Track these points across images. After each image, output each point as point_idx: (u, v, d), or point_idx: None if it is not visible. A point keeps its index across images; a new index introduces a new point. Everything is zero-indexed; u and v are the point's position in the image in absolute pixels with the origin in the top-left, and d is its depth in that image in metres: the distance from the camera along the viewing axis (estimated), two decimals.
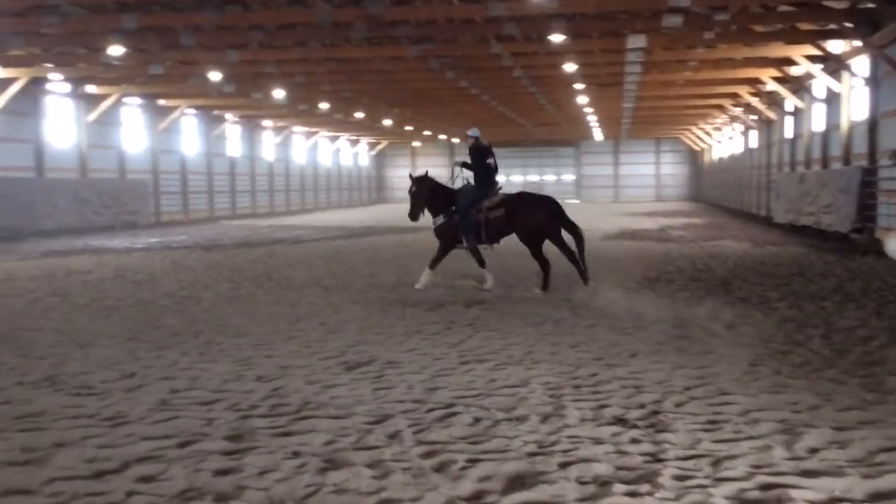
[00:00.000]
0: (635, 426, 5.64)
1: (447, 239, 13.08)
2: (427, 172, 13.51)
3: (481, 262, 12.98)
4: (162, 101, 36.94)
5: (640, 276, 14.50)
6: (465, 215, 12.80)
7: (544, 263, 12.78)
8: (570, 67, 27.34)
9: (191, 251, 21.25)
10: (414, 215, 13.24)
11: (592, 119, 49.47)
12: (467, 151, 13.35)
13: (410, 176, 13.57)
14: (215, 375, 7.20)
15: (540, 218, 12.79)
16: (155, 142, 37.93)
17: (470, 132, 13.38)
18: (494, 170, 13.16)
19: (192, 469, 4.83)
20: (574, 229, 12.86)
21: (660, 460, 4.96)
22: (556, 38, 22.40)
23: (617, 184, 72.94)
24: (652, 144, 71.62)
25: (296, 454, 5.09)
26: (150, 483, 4.61)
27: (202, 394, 6.59)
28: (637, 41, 22.97)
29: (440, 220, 13.06)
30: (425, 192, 13.13)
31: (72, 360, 7.84)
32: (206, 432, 5.54)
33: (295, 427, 5.66)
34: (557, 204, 13.06)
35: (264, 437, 5.44)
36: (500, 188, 13.27)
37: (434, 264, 13.14)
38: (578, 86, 33.14)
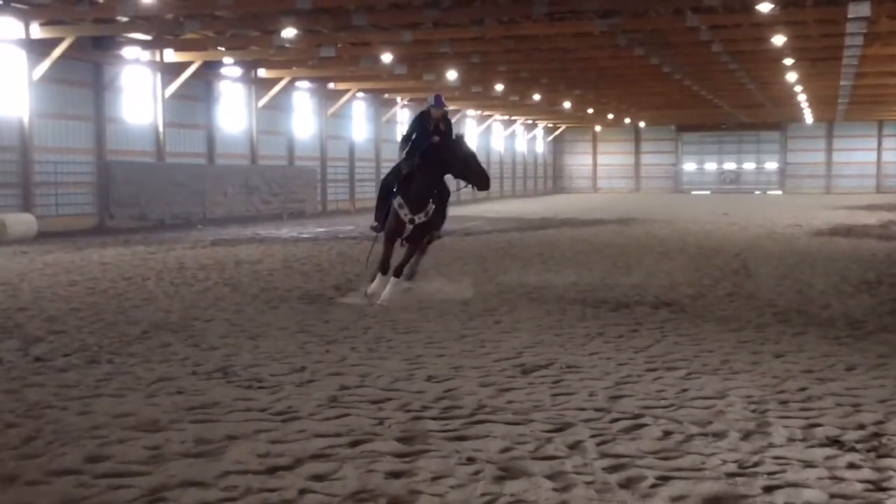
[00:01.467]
0: (853, 449, 5.35)
1: None
2: None
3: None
4: (332, 85, 38.49)
5: (857, 279, 13.72)
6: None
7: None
8: (778, 41, 26.21)
9: (357, 242, 21.99)
10: None
11: (802, 99, 47.15)
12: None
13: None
14: (385, 373, 7.43)
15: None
16: (324, 127, 39.55)
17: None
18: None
19: (365, 469, 5.01)
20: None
21: (883, 489, 4.69)
22: (764, 7, 21.52)
23: (829, 172, 69.14)
24: (873, 128, 67.33)
25: (470, 460, 5.18)
26: (322, 482, 4.82)
27: (372, 392, 6.83)
28: (860, 9, 21.65)
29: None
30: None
31: (243, 352, 8.32)
32: (378, 432, 5.73)
33: (469, 431, 5.76)
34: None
35: (437, 440, 5.56)
36: None
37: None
38: (788, 61, 31.70)
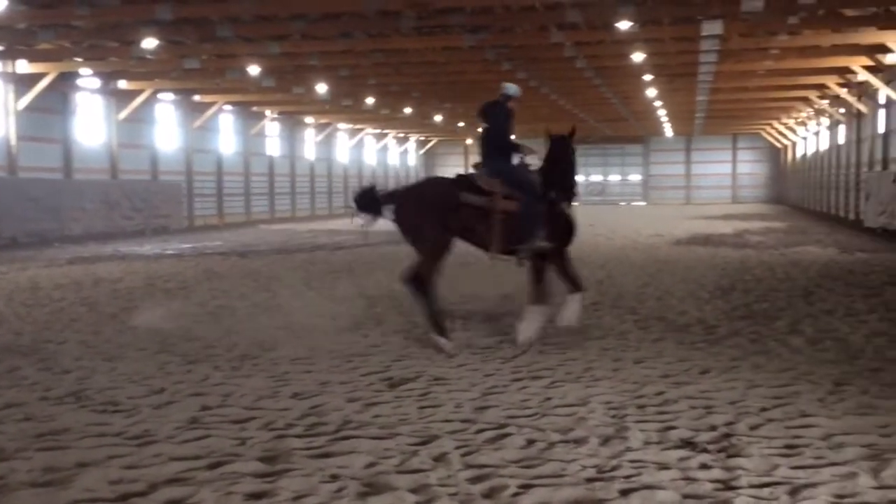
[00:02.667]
0: (705, 450, 5.59)
1: None
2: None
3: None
4: (197, 97, 37.64)
5: (713, 286, 14.33)
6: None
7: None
8: (638, 57, 27.13)
9: (225, 258, 21.57)
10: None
11: (662, 113, 49.02)
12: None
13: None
14: (249, 391, 7.30)
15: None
16: (189, 140, 38.63)
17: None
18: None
19: (224, 492, 4.91)
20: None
21: (732, 488, 4.91)
22: (624, 25, 22.24)
23: (689, 184, 72.14)
24: (728, 141, 70.66)
25: (334, 477, 5.14)
26: None
27: (235, 411, 6.69)
28: (713, 27, 22.68)
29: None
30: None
31: (98, 375, 8.01)
32: (239, 453, 5.62)
33: (334, 448, 5.72)
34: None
35: (301, 458, 5.50)
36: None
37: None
38: (647, 77, 32.89)
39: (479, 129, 10.21)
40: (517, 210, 9.33)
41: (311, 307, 12.44)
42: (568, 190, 9.77)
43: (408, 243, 9.70)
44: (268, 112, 44.66)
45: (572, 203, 9.86)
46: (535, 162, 9.97)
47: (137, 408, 6.79)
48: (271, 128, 47.36)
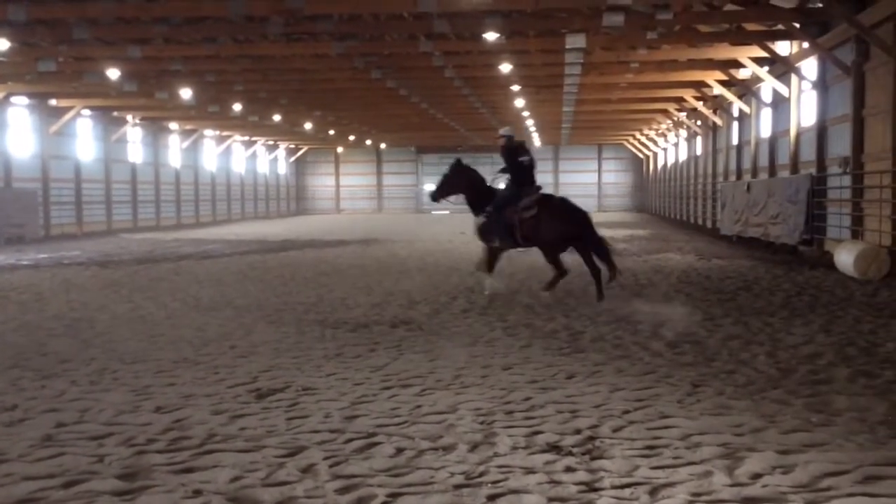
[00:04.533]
0: (570, 453, 5.71)
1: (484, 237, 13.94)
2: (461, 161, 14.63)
3: (489, 267, 14.08)
4: (54, 102, 36.05)
5: (579, 292, 14.68)
6: (498, 214, 13.49)
7: (560, 268, 13.78)
8: (505, 68, 27.64)
9: (85, 268, 20.75)
10: (437, 196, 14.39)
11: (530, 123, 50.05)
12: (501, 154, 14.38)
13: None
14: (108, 406, 7.04)
15: (564, 229, 13.57)
16: (45, 146, 36.99)
17: (502, 131, 14.59)
18: (530, 167, 13.96)
19: None
20: (601, 245, 13.69)
21: (595, 489, 5.03)
22: (491, 36, 22.61)
23: (556, 193, 73.59)
24: (594, 151, 72.86)
25: (197, 493, 5.01)
26: None
27: (93, 427, 6.44)
28: (576, 41, 23.35)
29: (482, 218, 13.81)
30: (463, 182, 14.16)
31: None
32: (96, 470, 5.42)
33: (197, 462, 5.58)
34: (587, 217, 13.85)
35: (162, 474, 5.34)
36: (540, 188, 14.09)
37: (488, 268, 14.07)
38: (515, 88, 33.52)
39: (523, 159, 13.94)
40: None
41: (176, 318, 12.12)
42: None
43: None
44: (129, 117, 43.23)
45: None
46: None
47: None
48: (133, 133, 45.86)
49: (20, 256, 25.11)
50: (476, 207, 13.99)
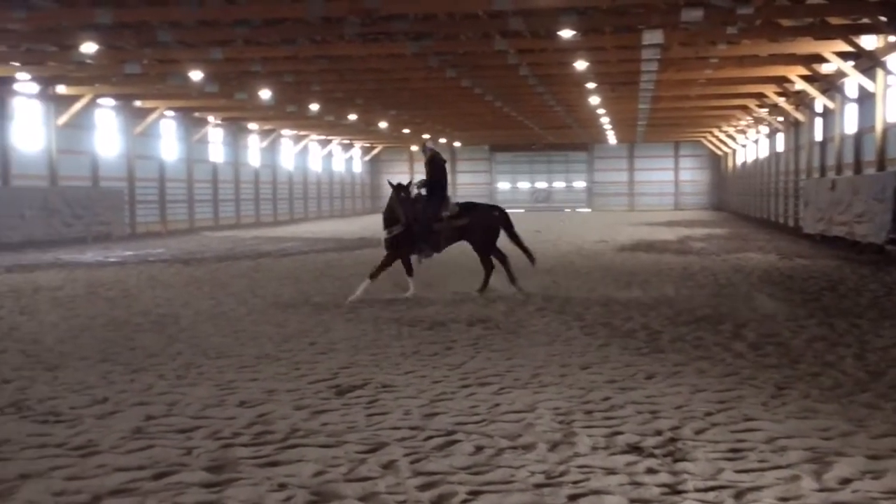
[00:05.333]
0: (652, 455, 5.64)
1: (397, 249, 14.63)
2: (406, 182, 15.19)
3: (410, 271, 14.68)
4: (138, 103, 37.07)
5: (656, 292, 14.51)
6: (425, 226, 14.39)
7: (502, 258, 14.87)
8: (581, 65, 27.42)
9: (169, 265, 21.27)
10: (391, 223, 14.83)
11: (605, 121, 49.57)
12: (424, 162, 15.27)
13: (390, 183, 15.31)
14: (195, 400, 7.20)
15: (498, 227, 15.03)
16: (131, 146, 38.05)
17: (429, 144, 15.71)
18: (445, 179, 15.32)
19: (169, 502, 4.83)
20: (517, 239, 15.18)
21: (678, 492, 4.96)
22: (566, 33, 22.45)
23: (632, 191, 73.03)
24: (670, 149, 71.76)
25: (282, 486, 5.09)
26: None
27: (180, 420, 6.60)
28: (653, 37, 23.02)
29: (396, 229, 14.48)
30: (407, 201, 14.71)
31: (39, 384, 7.84)
32: (185, 462, 5.54)
33: (281, 456, 5.67)
34: (507, 214, 15.50)
35: (248, 467, 5.44)
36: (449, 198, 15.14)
37: (376, 275, 14.48)
38: (590, 85, 33.23)
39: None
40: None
41: (257, 314, 12.34)
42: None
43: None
44: (211, 118, 44.18)
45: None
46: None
47: (80, 418, 6.66)
48: (214, 134, 46.84)
49: (107, 254, 25.86)
50: (391, 221, 14.70)
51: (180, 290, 15.61)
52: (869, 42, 24.19)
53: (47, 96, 31.88)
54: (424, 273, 18.29)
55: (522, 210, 71.41)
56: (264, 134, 52.17)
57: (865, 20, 21.78)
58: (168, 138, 41.92)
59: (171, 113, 40.72)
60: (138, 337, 10.46)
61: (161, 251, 26.84)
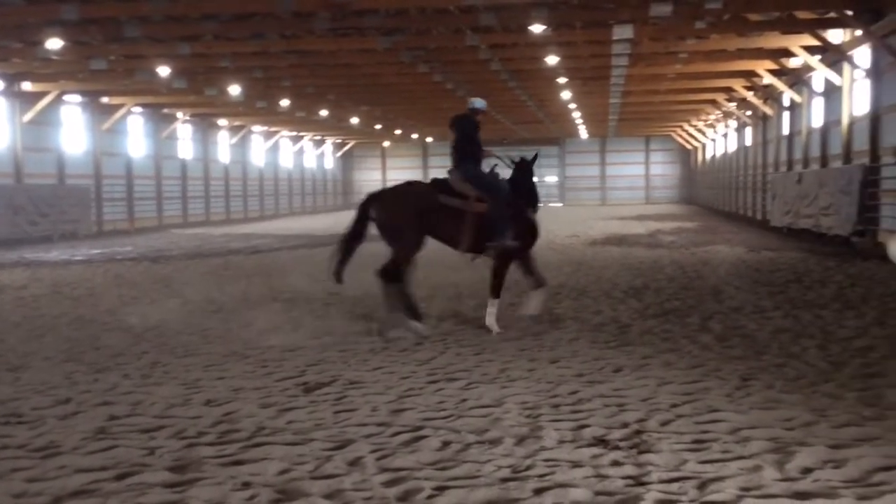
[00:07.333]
0: (617, 447, 5.68)
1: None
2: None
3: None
4: (105, 99, 36.67)
5: (626, 286, 14.59)
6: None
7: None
8: (552, 60, 27.47)
9: (136, 263, 21.10)
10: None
11: (577, 116, 49.74)
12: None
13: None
14: (159, 400, 7.15)
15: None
16: (98, 143, 37.64)
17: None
18: None
19: (131, 503, 4.79)
20: None
21: (642, 484, 4.99)
22: (537, 28, 22.50)
23: (604, 185, 73.37)
24: (641, 143, 72.15)
25: (246, 485, 5.07)
26: None
27: (144, 420, 6.55)
28: (623, 32, 23.13)
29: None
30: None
31: (1, 385, 7.75)
32: (148, 462, 5.50)
33: (246, 455, 5.64)
34: None
35: (212, 466, 5.41)
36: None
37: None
38: (561, 80, 33.32)
39: (450, 140, 10.98)
40: (487, 212, 10.25)
41: (225, 312, 12.27)
42: (534, 203, 10.84)
43: (385, 241, 10.46)
44: (179, 114, 43.81)
45: (536, 211, 10.88)
46: (504, 170, 11.07)
47: (42, 419, 6.59)
48: (183, 130, 46.46)
49: (73, 252, 25.60)
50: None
51: (147, 289, 15.49)
52: (835, 36, 24.43)
53: (12, 93, 31.46)
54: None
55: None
56: (234, 130, 51.84)
57: (832, 14, 21.99)
58: (136, 135, 41.53)
59: (138, 109, 40.32)
60: (103, 336, 10.36)
61: (128, 249, 26.61)
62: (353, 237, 10.65)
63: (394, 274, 10.30)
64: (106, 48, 25.29)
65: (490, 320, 10.36)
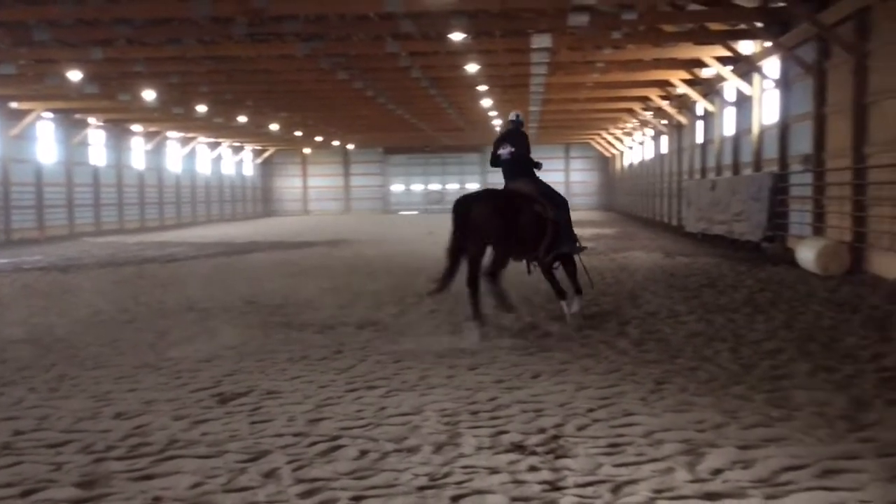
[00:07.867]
0: (534, 453, 5.72)
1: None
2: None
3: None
4: (14, 104, 35.58)
5: (545, 292, 14.70)
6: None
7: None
8: (472, 68, 27.67)
9: (45, 273, 20.48)
10: None
11: (497, 123, 50.09)
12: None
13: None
14: (67, 413, 6.95)
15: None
16: (5, 149, 36.48)
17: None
18: None
19: None
20: None
21: (558, 488, 5.05)
22: (457, 36, 22.63)
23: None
24: (561, 150, 73.04)
25: (156, 500, 4.97)
26: None
27: (51, 435, 6.36)
28: (542, 41, 23.44)
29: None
30: None
31: None
32: (54, 478, 5.35)
33: (157, 469, 5.52)
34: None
35: (121, 481, 5.28)
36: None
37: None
38: (482, 87, 33.56)
39: (502, 152, 11.56)
40: (558, 220, 11.04)
41: (139, 322, 12.00)
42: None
43: (477, 242, 10.66)
44: (92, 120, 42.75)
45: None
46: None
47: None
48: (96, 136, 45.34)
49: None
50: None
51: (57, 299, 15.05)
52: (746, 47, 25.16)
53: None
54: (327, 275, 18.15)
55: (416, 212, 71.79)
56: (149, 136, 50.79)
57: (743, 26, 22.65)
58: (46, 141, 40.35)
59: (49, 115, 39.23)
60: (9, 348, 10.02)
61: (38, 258, 25.82)
62: (460, 246, 10.90)
63: (496, 275, 10.85)
64: (14, 52, 24.55)
65: (576, 308, 11.17)
